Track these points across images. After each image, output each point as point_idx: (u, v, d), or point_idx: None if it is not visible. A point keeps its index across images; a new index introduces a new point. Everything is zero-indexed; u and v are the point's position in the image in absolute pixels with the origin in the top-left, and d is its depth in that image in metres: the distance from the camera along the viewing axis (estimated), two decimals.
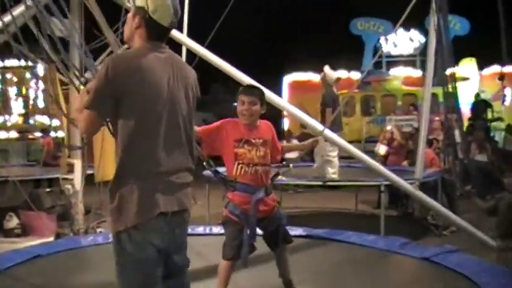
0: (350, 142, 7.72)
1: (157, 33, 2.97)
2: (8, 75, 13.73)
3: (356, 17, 23.90)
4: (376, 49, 22.58)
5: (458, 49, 7.48)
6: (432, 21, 7.38)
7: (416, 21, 17.39)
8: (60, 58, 6.02)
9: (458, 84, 7.96)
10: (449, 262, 5.13)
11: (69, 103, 7.40)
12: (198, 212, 7.65)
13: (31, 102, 13.62)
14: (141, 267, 2.81)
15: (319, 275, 5.10)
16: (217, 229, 6.59)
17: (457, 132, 8.38)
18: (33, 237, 7.84)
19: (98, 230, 7.71)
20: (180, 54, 6.67)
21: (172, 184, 2.90)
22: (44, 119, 13.63)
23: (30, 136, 14.17)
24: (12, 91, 13.79)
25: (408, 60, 22.54)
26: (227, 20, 8.38)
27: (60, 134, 9.92)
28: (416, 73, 21.48)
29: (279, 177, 4.71)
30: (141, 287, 2.83)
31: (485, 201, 7.59)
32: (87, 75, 6.02)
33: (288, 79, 23.16)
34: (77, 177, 7.34)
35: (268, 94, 5.66)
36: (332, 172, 8.88)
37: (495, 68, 21.31)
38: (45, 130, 13.27)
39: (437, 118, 11.46)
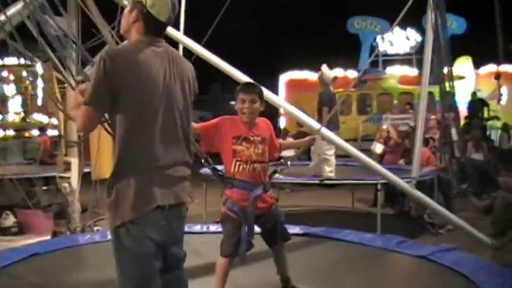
0: (346, 140, 7.74)
1: (154, 28, 2.98)
2: (5, 73, 13.69)
3: (353, 15, 23.91)
4: (373, 48, 22.60)
5: (454, 48, 7.49)
6: (429, 18, 7.39)
7: (413, 20, 17.38)
8: (56, 56, 6.02)
9: (455, 83, 7.95)
10: (446, 260, 5.14)
11: (65, 101, 7.39)
12: (196, 210, 7.67)
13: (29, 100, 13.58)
14: (140, 261, 2.83)
15: (316, 273, 5.11)
16: (215, 227, 6.61)
17: (453, 131, 8.40)
18: (30, 235, 7.86)
19: (95, 228, 7.71)
20: None
21: (169, 178, 2.91)
22: (41, 117, 13.59)
23: (27, 134, 14.13)
24: (8, 89, 13.76)
25: (404, 59, 22.55)
26: (224, 18, 8.39)
27: (57, 132, 9.90)
28: (413, 72, 21.50)
29: (276, 175, 4.72)
30: (140, 281, 2.84)
31: (481, 200, 7.59)
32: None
33: (284, 77, 23.16)
34: (74, 175, 7.33)
35: (266, 92, 5.66)
36: (329, 171, 8.89)
37: (491, 67, 21.34)
38: (42, 128, 13.24)
39: (433, 117, 11.48)
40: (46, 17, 5.31)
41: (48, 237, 7.25)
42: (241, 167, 4.12)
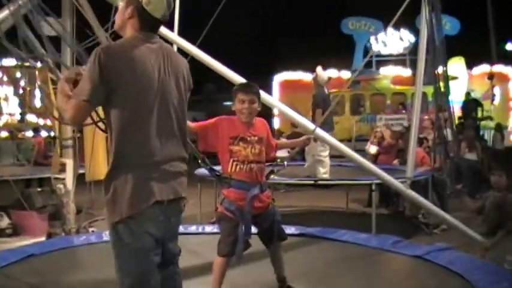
0: (340, 141, 7.75)
1: (150, 24, 2.99)
2: None
3: (347, 16, 23.95)
4: (367, 48, 22.66)
5: (447, 48, 7.50)
6: (423, 18, 7.40)
7: (407, 20, 17.45)
8: (50, 57, 6.02)
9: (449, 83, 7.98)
10: (441, 260, 5.16)
11: None
12: (190, 211, 7.66)
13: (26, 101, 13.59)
14: (139, 256, 2.83)
15: (312, 273, 5.12)
16: (210, 228, 6.62)
17: (448, 131, 8.42)
18: (25, 236, 7.84)
19: (90, 229, 7.71)
20: None
21: (166, 173, 2.91)
22: (37, 119, 13.55)
23: (20, 135, 14.11)
24: (2, 91, 13.76)
25: (398, 60, 22.62)
26: (217, 19, 8.38)
27: (52, 133, 9.89)
28: (406, 72, 21.57)
29: (272, 175, 4.74)
30: (139, 276, 2.85)
31: (474, 199, 7.63)
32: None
33: (278, 78, 23.17)
34: (69, 176, 7.32)
35: (261, 93, 5.67)
36: (323, 172, 8.91)
37: (484, 67, 21.46)
38: (36, 129, 13.23)
39: (426, 117, 11.52)
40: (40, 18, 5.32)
41: (43, 238, 7.23)
42: (238, 167, 4.12)
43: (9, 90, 13.70)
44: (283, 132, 17.08)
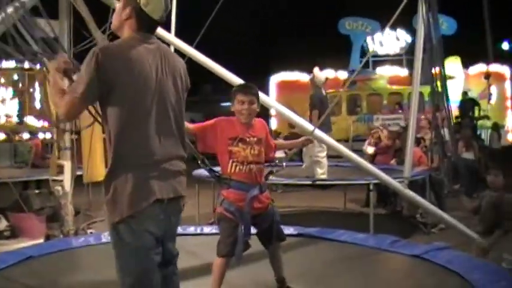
0: (337, 141, 7.77)
1: (147, 25, 3.01)
2: None
3: (344, 16, 23.98)
4: (363, 49, 22.69)
5: (444, 48, 7.50)
6: (420, 17, 7.41)
7: (403, 20, 17.48)
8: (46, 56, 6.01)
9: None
10: (440, 259, 5.16)
11: None
12: (188, 211, 7.63)
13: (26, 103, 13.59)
14: (139, 255, 2.84)
15: (311, 273, 5.13)
16: (208, 229, 6.62)
17: (446, 131, 8.43)
18: (23, 239, 7.82)
19: (88, 231, 7.70)
20: None
21: (166, 171, 2.92)
22: (35, 121, 13.55)
23: (17, 137, 14.10)
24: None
25: (394, 60, 22.66)
26: (214, 20, 8.38)
27: (49, 135, 9.89)
28: (403, 72, 21.61)
29: (271, 176, 4.74)
30: (140, 275, 2.85)
31: (472, 199, 7.64)
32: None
33: (275, 79, 23.19)
34: (67, 178, 7.31)
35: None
36: (321, 173, 8.92)
37: (481, 67, 21.51)
38: (33, 131, 13.23)
39: (423, 117, 11.55)
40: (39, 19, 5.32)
41: (41, 240, 7.23)
42: (237, 168, 4.12)
43: (6, 92, 13.69)
44: (280, 133, 17.08)
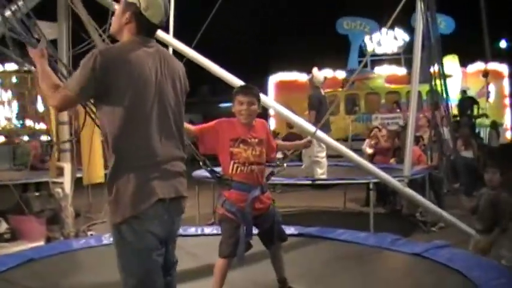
0: (336, 140, 7.77)
1: (147, 29, 3.03)
2: None
3: (342, 16, 23.98)
4: (361, 48, 22.70)
5: (442, 47, 7.52)
6: (419, 16, 7.42)
7: (401, 19, 17.51)
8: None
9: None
10: (440, 257, 5.16)
11: None
12: (188, 212, 7.63)
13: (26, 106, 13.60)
14: (142, 256, 2.84)
15: (311, 272, 5.13)
16: (209, 230, 6.62)
17: (445, 129, 8.45)
18: (23, 241, 7.81)
19: (89, 233, 7.70)
20: None
21: (167, 172, 2.94)
22: (35, 123, 13.55)
23: (16, 140, 14.11)
24: None
25: (392, 59, 22.66)
26: (212, 21, 8.40)
27: (49, 137, 9.88)
28: (400, 71, 21.62)
29: (272, 177, 4.75)
30: (142, 276, 2.85)
31: (471, 197, 7.65)
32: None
33: (273, 79, 23.17)
34: (67, 180, 7.31)
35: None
36: (321, 173, 8.93)
37: (479, 65, 21.51)
38: (32, 134, 13.23)
39: (421, 115, 11.56)
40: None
41: (42, 243, 7.22)
42: (239, 169, 4.13)
43: (5, 95, 13.70)
44: (279, 133, 17.06)
